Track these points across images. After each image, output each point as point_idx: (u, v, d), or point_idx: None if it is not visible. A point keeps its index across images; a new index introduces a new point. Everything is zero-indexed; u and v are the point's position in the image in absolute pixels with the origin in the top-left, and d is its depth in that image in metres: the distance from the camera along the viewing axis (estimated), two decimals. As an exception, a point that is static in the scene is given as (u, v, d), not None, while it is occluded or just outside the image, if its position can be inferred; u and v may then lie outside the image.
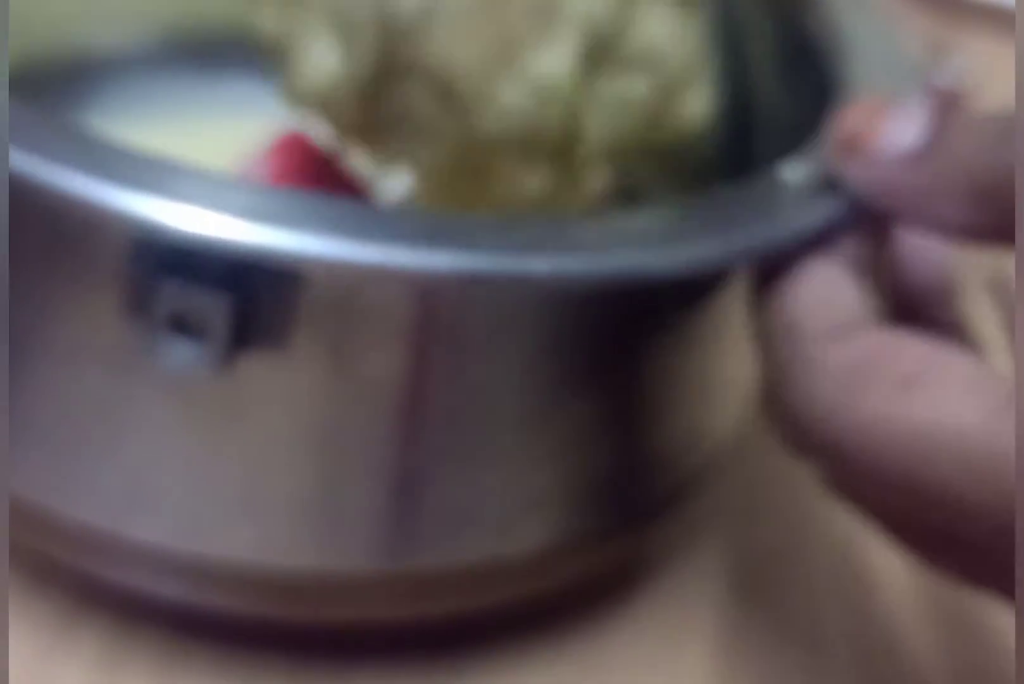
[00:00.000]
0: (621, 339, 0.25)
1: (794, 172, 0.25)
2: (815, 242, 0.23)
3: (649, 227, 0.23)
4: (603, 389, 0.25)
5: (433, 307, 0.22)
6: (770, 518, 0.36)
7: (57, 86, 0.37)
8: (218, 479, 0.24)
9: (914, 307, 0.27)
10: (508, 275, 0.20)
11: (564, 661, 0.31)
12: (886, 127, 0.23)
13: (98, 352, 0.23)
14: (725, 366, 0.29)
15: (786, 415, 0.22)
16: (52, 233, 0.22)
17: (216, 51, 0.40)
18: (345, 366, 0.22)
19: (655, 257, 0.22)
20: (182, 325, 0.21)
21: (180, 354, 0.21)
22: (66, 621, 0.30)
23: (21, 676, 0.28)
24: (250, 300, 0.21)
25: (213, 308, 0.20)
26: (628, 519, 0.29)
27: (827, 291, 0.23)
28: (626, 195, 0.32)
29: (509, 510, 0.26)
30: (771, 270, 0.24)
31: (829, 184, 0.24)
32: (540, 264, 0.21)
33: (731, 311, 0.26)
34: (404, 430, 0.24)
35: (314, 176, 0.34)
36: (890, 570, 0.34)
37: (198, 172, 0.21)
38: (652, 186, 0.33)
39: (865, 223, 0.24)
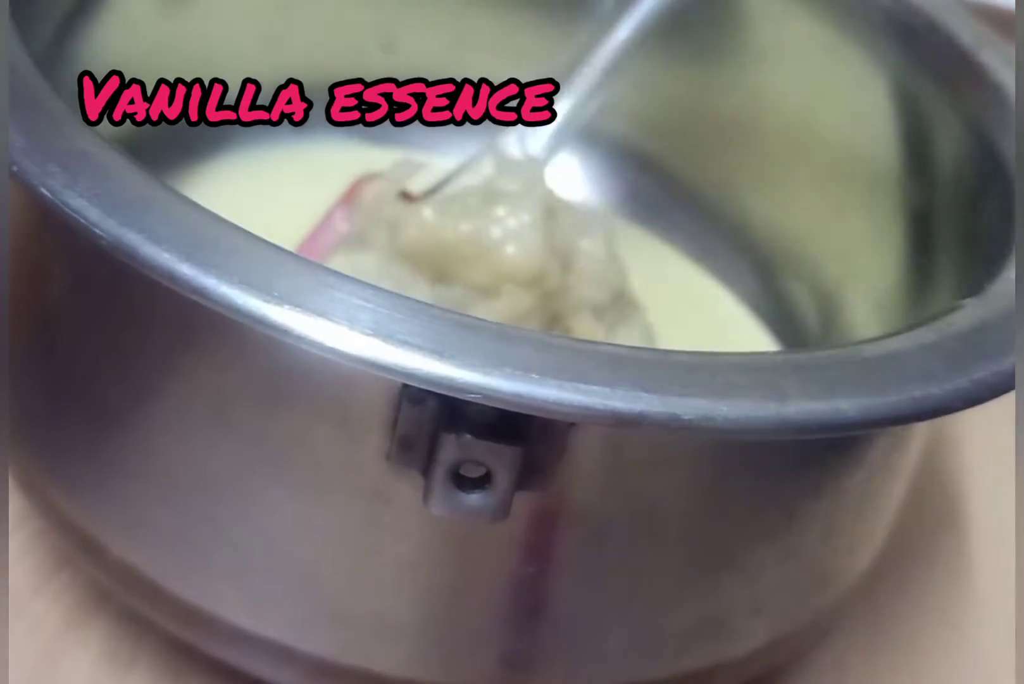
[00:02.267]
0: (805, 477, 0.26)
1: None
2: None
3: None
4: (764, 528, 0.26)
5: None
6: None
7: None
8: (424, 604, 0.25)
9: None
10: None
11: None
12: None
13: (345, 489, 0.24)
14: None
15: None
16: (314, 383, 0.23)
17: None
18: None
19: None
20: (459, 474, 0.21)
21: (464, 503, 0.21)
22: (72, 621, 0.30)
23: (26, 676, 0.29)
24: (530, 450, 0.21)
25: (498, 459, 0.21)
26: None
27: None
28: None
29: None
30: None
31: None
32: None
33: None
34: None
35: None
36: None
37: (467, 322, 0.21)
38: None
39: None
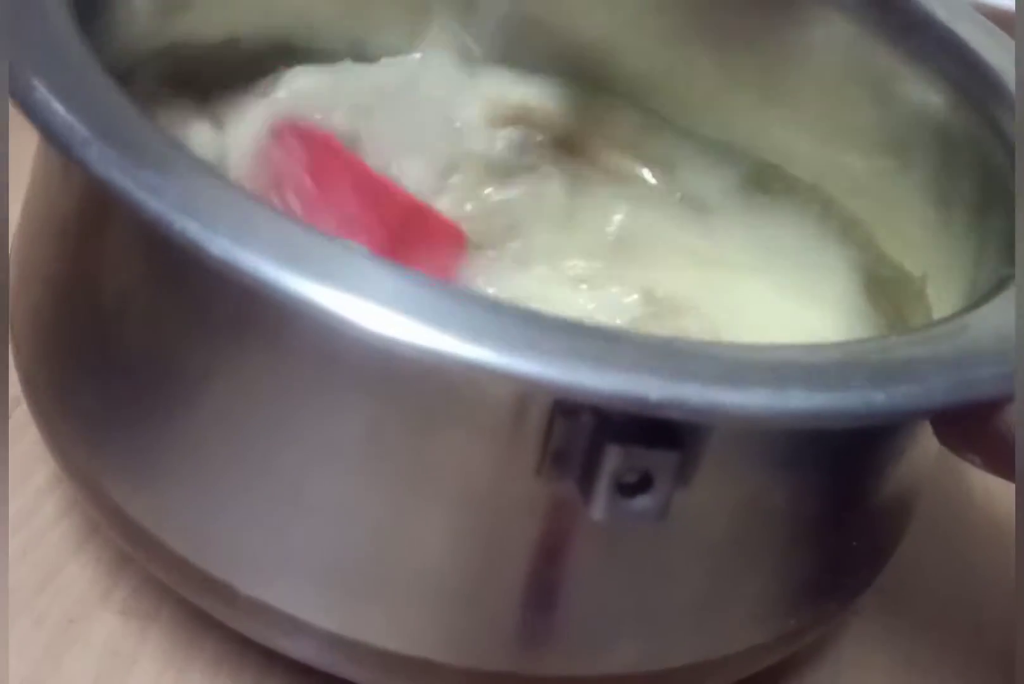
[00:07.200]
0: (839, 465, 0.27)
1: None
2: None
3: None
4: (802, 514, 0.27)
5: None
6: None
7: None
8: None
9: None
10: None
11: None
12: None
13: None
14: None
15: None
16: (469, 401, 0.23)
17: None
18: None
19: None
20: (621, 482, 0.22)
21: (627, 508, 0.22)
22: (76, 616, 0.31)
23: (30, 669, 0.29)
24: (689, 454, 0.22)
25: (661, 465, 0.22)
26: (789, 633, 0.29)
27: None
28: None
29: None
30: None
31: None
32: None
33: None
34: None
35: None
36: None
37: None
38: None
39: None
